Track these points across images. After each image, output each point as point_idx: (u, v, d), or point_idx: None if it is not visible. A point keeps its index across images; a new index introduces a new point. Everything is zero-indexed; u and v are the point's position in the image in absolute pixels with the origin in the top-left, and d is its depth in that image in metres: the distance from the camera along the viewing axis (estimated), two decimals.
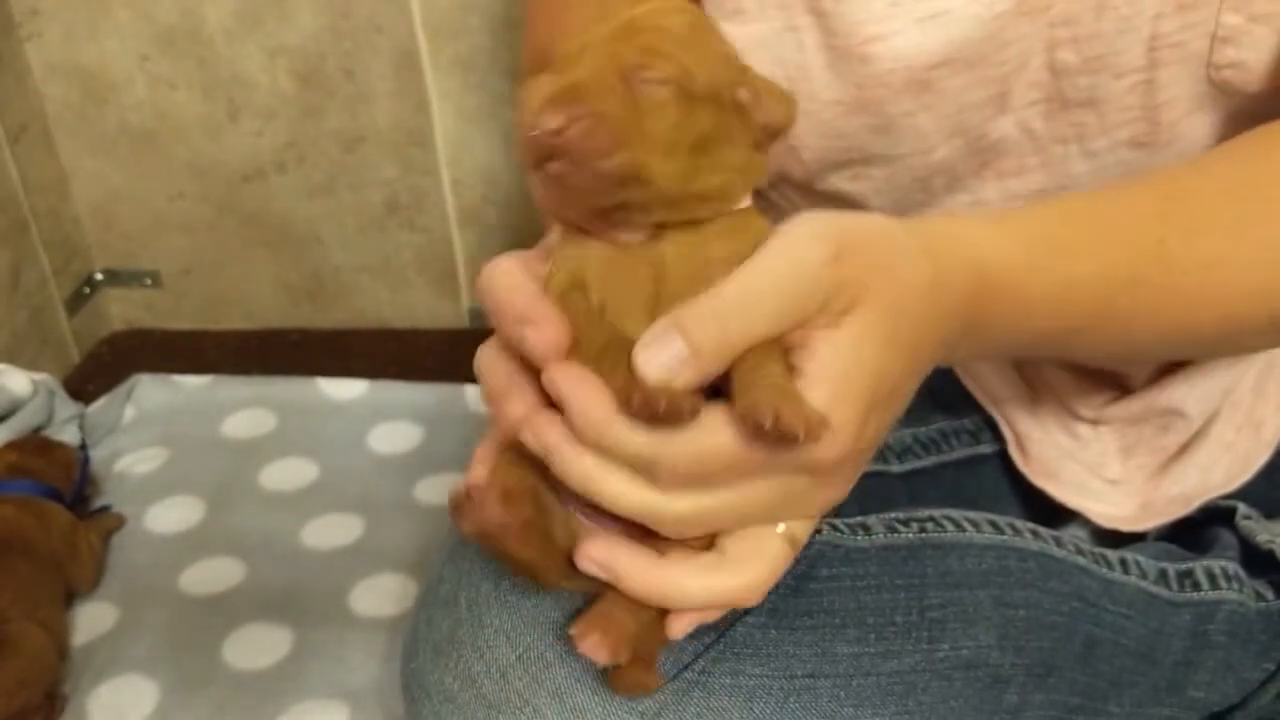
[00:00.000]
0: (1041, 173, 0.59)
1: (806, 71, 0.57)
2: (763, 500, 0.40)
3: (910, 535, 0.57)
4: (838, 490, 0.43)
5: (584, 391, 0.39)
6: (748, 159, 0.41)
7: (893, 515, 0.58)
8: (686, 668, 0.51)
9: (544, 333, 0.39)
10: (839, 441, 0.39)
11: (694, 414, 0.37)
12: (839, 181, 0.61)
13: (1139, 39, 0.53)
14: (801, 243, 0.39)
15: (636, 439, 0.38)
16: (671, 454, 0.38)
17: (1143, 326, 0.49)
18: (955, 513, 0.59)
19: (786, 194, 0.65)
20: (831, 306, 0.38)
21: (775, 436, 0.36)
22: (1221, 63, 0.53)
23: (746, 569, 0.42)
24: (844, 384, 0.38)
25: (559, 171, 0.37)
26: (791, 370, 0.38)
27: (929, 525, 0.58)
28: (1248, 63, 0.52)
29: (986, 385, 0.68)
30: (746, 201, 0.42)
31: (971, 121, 0.57)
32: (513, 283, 0.40)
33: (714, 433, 0.38)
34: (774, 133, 0.41)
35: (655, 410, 0.37)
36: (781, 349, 0.39)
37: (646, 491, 0.39)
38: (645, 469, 0.39)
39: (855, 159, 0.59)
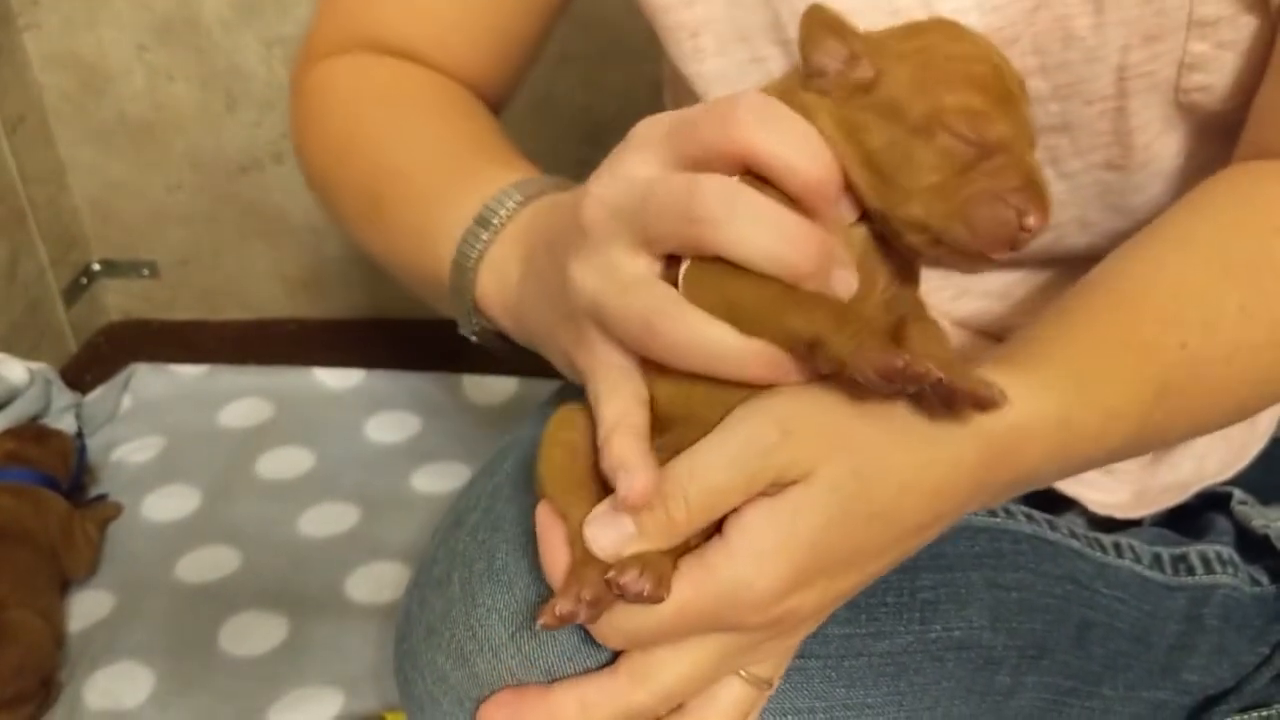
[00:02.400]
0: None
1: None
2: (705, 661, 0.42)
3: None
4: (787, 639, 0.44)
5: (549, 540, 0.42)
6: None
7: None
8: None
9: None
10: (760, 606, 0.40)
11: (646, 598, 0.39)
12: None
13: (1107, 68, 0.54)
14: (752, 423, 0.39)
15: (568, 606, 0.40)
16: (605, 624, 0.41)
17: (1171, 429, 0.50)
18: None
19: None
20: (780, 482, 0.39)
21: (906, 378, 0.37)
22: (1189, 87, 0.54)
23: (705, 715, 0.43)
24: (766, 552, 0.39)
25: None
26: (720, 536, 0.40)
27: None
28: (1214, 86, 0.53)
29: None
30: None
31: None
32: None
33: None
34: None
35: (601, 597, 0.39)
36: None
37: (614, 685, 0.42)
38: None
39: None
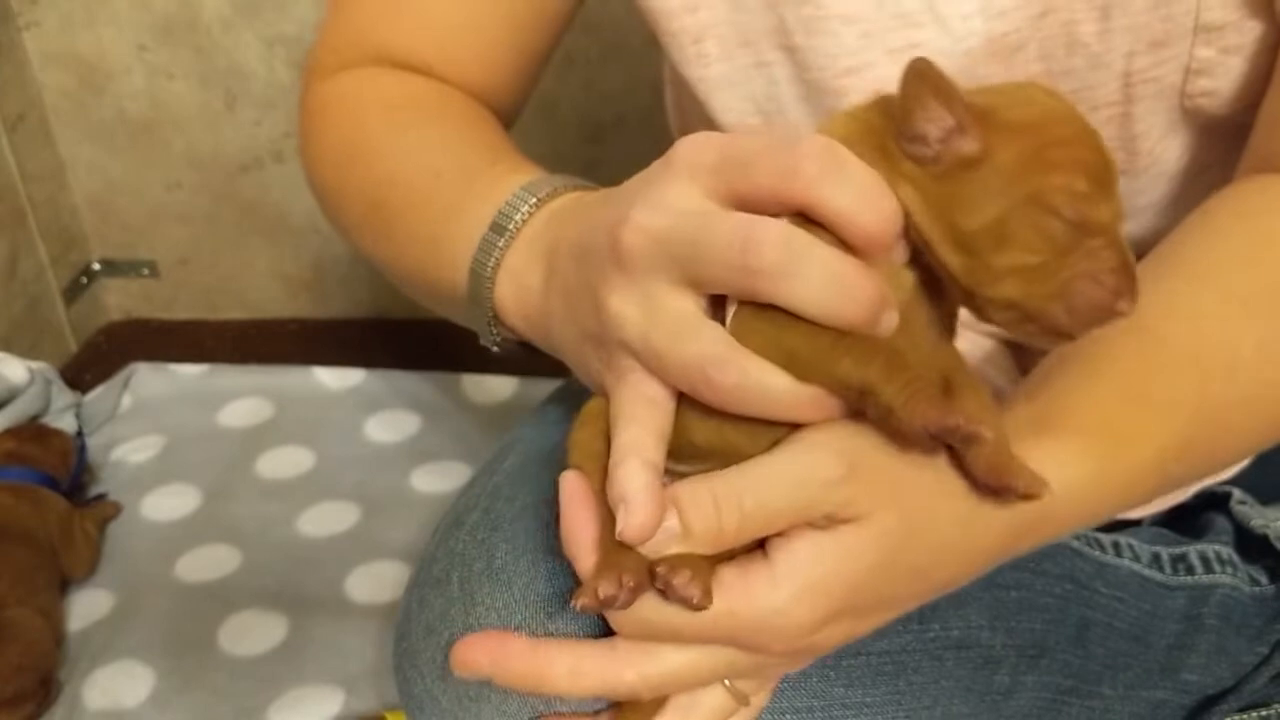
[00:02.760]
0: None
1: (780, 105, 0.57)
2: (706, 666, 0.41)
3: None
4: (788, 667, 0.44)
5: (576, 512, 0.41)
6: None
7: None
8: None
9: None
10: (787, 637, 0.40)
11: (692, 604, 0.38)
12: None
13: (1113, 75, 0.53)
14: (817, 454, 0.39)
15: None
16: (628, 613, 0.40)
17: (1191, 474, 0.51)
18: None
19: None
20: (834, 518, 0.39)
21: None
22: (1195, 92, 0.54)
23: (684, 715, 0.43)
24: (810, 587, 0.39)
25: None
26: (765, 555, 0.39)
27: None
28: (1220, 91, 0.53)
29: (983, 376, 0.68)
30: None
31: None
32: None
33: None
34: None
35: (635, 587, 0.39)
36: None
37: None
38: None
39: None
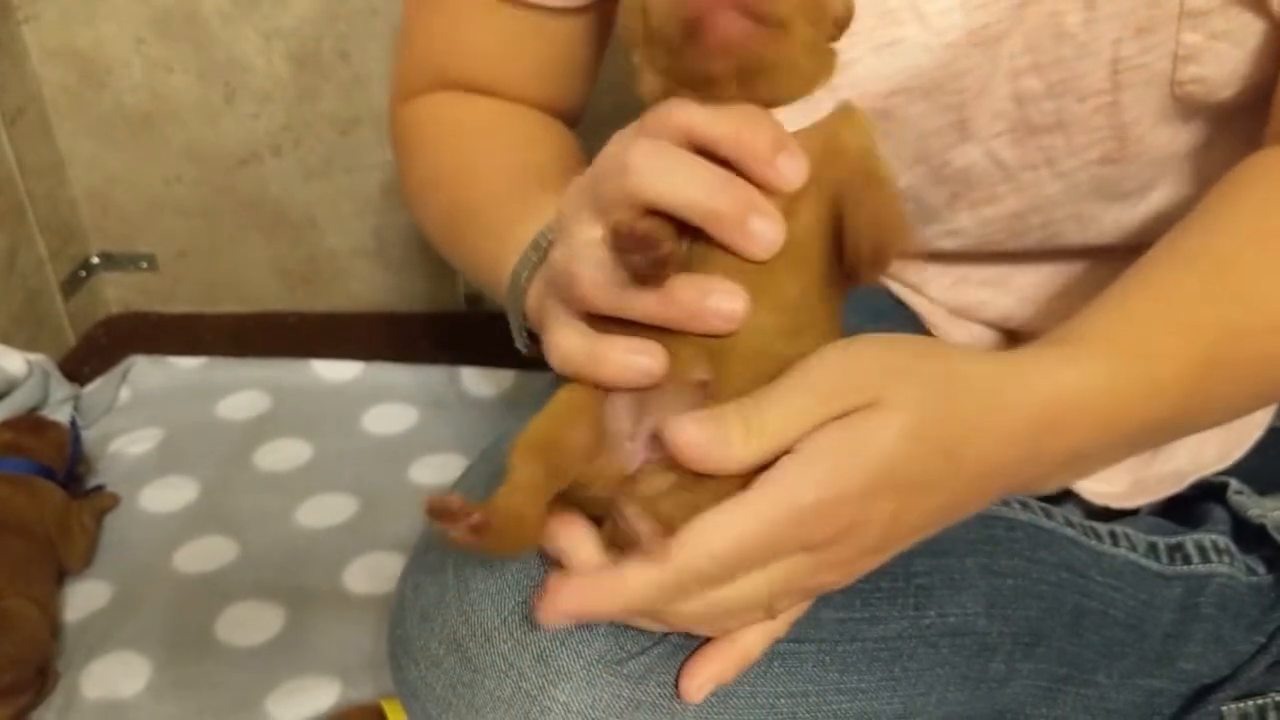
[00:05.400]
0: (1014, 198, 0.61)
1: None
2: (764, 586, 0.42)
3: None
4: (839, 573, 0.44)
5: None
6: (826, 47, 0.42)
7: None
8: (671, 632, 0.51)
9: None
10: (832, 514, 0.40)
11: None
12: None
13: (1100, 63, 0.54)
14: (827, 354, 0.41)
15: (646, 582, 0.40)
16: (680, 567, 0.40)
17: (1223, 403, 0.50)
18: None
19: None
20: (851, 408, 0.40)
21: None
22: (1184, 79, 0.54)
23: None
24: (838, 464, 0.39)
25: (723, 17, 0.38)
26: (791, 450, 0.40)
27: None
28: (1210, 77, 0.53)
29: None
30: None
31: (932, 149, 0.58)
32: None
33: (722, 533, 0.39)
34: (841, 26, 0.43)
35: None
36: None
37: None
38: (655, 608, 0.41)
39: None
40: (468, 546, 0.40)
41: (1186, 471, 0.67)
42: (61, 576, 1.01)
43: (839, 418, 0.40)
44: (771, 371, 0.41)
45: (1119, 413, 0.45)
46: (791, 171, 0.40)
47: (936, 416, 0.41)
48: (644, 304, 0.41)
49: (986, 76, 0.55)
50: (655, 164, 0.40)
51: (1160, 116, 0.56)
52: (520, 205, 0.57)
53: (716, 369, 0.41)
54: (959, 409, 0.41)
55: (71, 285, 1.38)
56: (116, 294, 1.44)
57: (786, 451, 0.40)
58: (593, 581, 0.41)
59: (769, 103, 0.41)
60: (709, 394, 0.41)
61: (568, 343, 0.42)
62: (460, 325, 1.34)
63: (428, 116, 0.69)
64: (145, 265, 1.42)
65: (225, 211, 1.36)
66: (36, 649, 0.90)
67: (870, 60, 0.55)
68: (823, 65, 0.42)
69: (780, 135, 0.40)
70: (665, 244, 0.39)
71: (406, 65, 0.71)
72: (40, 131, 1.32)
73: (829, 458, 0.39)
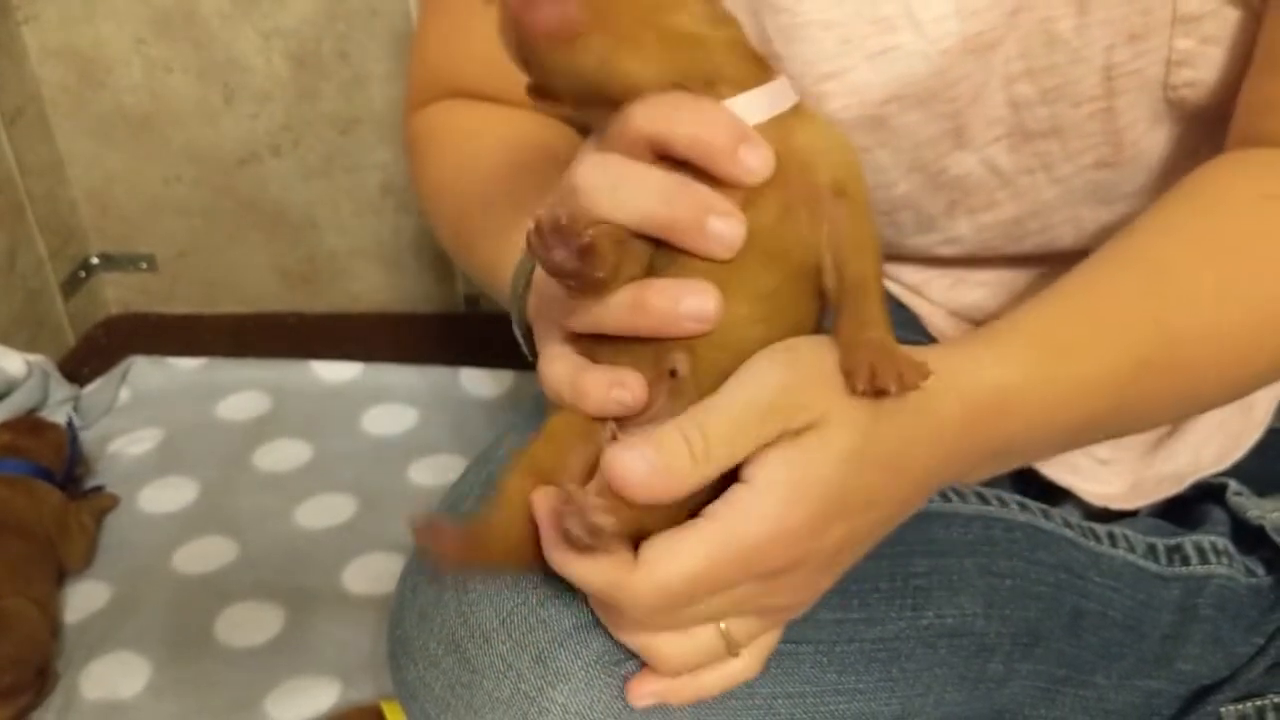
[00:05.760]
0: (1012, 204, 0.61)
1: None
2: (716, 611, 0.42)
3: None
4: (795, 595, 0.44)
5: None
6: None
7: None
8: None
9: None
10: (786, 544, 0.40)
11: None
12: None
13: (1093, 69, 0.54)
14: (762, 371, 0.40)
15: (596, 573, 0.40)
16: (632, 590, 0.40)
17: (1154, 406, 0.50)
18: None
19: None
20: (790, 428, 0.40)
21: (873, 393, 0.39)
22: (1178, 84, 0.54)
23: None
24: (793, 491, 0.39)
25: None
26: (742, 481, 0.40)
27: None
28: (1202, 81, 0.54)
29: None
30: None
31: (928, 157, 0.58)
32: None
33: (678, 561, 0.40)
34: None
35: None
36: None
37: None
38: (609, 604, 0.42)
39: None
40: (458, 566, 0.40)
41: (1186, 473, 0.67)
42: (61, 577, 1.01)
43: (785, 436, 0.40)
44: (744, 356, 0.41)
45: (1042, 409, 0.45)
46: (755, 162, 0.40)
47: (876, 432, 0.41)
48: (617, 317, 0.41)
49: (981, 83, 0.55)
50: (601, 180, 0.40)
51: (1155, 121, 0.56)
52: (515, 211, 0.57)
53: (693, 360, 0.41)
54: (895, 420, 0.41)
55: (71, 286, 1.38)
56: (116, 294, 1.44)
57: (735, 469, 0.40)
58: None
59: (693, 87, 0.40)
60: (685, 386, 0.41)
61: (553, 375, 0.43)
62: (460, 326, 1.34)
63: (438, 124, 0.70)
64: (145, 265, 1.42)
65: (225, 212, 1.36)
66: (36, 649, 0.90)
67: (864, 68, 0.55)
68: (714, 41, 0.41)
69: (738, 128, 0.40)
70: (585, 231, 0.38)
71: (418, 74, 0.72)
72: (40, 131, 1.32)
73: (779, 490, 0.39)
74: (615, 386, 0.41)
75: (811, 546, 0.41)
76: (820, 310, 0.43)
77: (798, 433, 0.40)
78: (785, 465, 0.40)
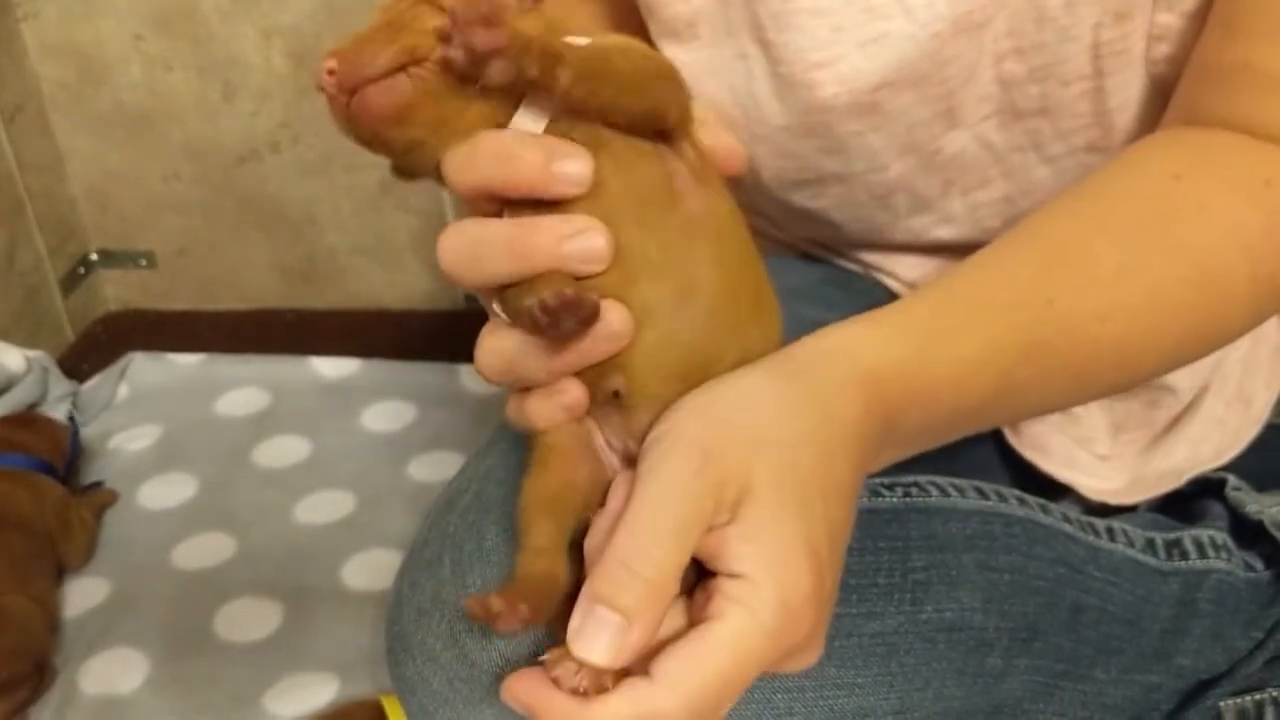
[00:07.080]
0: (1004, 182, 0.61)
1: (756, 99, 0.58)
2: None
3: (894, 499, 0.57)
4: (812, 655, 0.42)
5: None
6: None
7: (877, 480, 0.58)
8: None
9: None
10: (807, 615, 0.38)
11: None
12: (800, 199, 0.63)
13: (1082, 47, 0.54)
14: (670, 461, 0.38)
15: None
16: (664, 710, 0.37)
17: (1050, 388, 0.49)
18: (940, 478, 0.59)
19: (761, 207, 0.66)
20: (724, 504, 0.38)
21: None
22: (1156, 58, 0.54)
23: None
24: (782, 564, 0.37)
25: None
26: (733, 576, 0.37)
27: (913, 490, 0.58)
28: (1178, 57, 0.53)
29: None
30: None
31: (921, 138, 0.58)
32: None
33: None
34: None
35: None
36: None
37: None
38: None
39: (811, 178, 0.61)
40: (523, 625, 0.38)
41: (1184, 468, 0.67)
42: (60, 573, 1.01)
43: (721, 510, 0.38)
44: (680, 361, 0.40)
45: (929, 391, 0.44)
46: (574, 169, 0.39)
47: (803, 469, 0.39)
48: (534, 364, 0.41)
49: (972, 63, 0.55)
50: (454, 233, 0.41)
51: (1144, 103, 0.56)
52: None
53: (628, 375, 0.40)
54: (808, 446, 0.40)
55: (70, 282, 1.38)
56: (115, 291, 1.44)
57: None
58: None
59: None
60: (626, 404, 0.40)
61: (509, 412, 0.43)
62: (459, 322, 1.34)
63: None
64: (144, 262, 1.42)
65: (224, 209, 1.36)
66: (34, 645, 0.90)
67: (856, 56, 0.55)
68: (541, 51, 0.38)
69: (544, 146, 0.39)
70: (591, 298, 0.38)
71: None
72: (39, 128, 1.32)
73: (771, 562, 0.37)
74: (553, 395, 0.41)
75: (824, 601, 0.39)
76: None
77: (733, 506, 0.38)
78: (758, 546, 0.37)
